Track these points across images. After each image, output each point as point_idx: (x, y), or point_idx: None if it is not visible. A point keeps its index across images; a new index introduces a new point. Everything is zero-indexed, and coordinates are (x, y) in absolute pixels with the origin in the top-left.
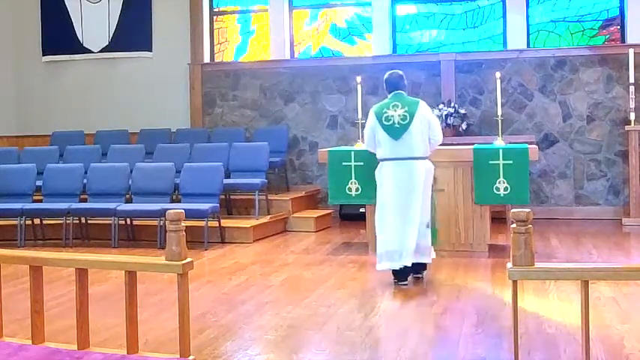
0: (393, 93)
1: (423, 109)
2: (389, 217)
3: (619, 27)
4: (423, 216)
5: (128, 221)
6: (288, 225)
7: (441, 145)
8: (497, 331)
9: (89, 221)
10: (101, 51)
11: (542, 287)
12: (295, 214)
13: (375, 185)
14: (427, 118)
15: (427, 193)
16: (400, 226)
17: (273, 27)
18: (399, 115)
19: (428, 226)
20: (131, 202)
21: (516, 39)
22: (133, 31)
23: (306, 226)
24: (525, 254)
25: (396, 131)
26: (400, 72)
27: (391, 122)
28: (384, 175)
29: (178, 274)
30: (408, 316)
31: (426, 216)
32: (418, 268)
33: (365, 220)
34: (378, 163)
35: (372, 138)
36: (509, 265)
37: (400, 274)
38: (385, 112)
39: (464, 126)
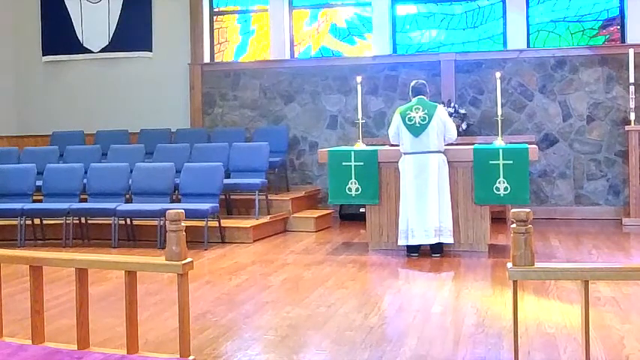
0: (416, 97)
1: (439, 112)
2: (410, 200)
3: (619, 27)
4: (443, 200)
5: (128, 221)
6: (288, 225)
7: None
8: (497, 331)
9: (89, 221)
10: (101, 51)
11: (542, 287)
12: (295, 214)
13: (375, 185)
14: (443, 120)
15: (444, 181)
16: (419, 208)
17: (273, 27)
18: (419, 117)
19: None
20: (131, 202)
21: (516, 39)
22: (133, 31)
23: (306, 226)
24: (525, 254)
25: (416, 130)
26: (424, 81)
27: (413, 122)
28: (405, 165)
29: (178, 274)
30: (408, 316)
31: (447, 200)
32: (437, 248)
33: (365, 220)
34: (401, 155)
35: (397, 134)
36: (509, 265)
37: (411, 247)
38: (408, 114)
39: (464, 126)
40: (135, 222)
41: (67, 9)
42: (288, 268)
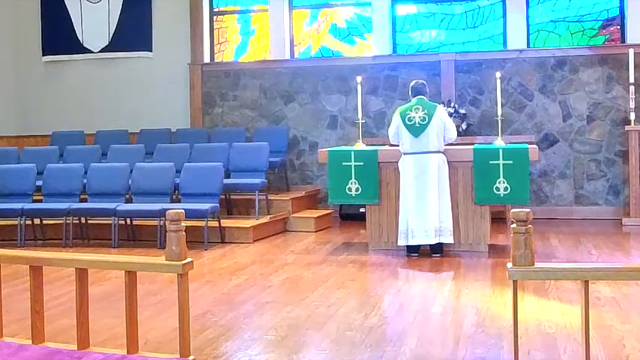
0: (416, 97)
1: (439, 112)
2: (410, 200)
3: (619, 27)
4: (443, 200)
5: (128, 221)
6: (288, 225)
7: None
8: (497, 331)
9: (89, 221)
10: (101, 51)
11: (542, 287)
12: (295, 214)
13: (375, 185)
14: (443, 120)
15: (444, 181)
16: (419, 208)
17: (273, 27)
18: (419, 117)
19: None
20: (131, 202)
21: (516, 39)
22: (133, 31)
23: (306, 226)
24: (525, 254)
25: (416, 130)
26: (423, 81)
27: (413, 122)
28: (405, 165)
29: (178, 274)
30: (408, 316)
31: (447, 200)
32: (437, 248)
33: (365, 220)
34: (401, 155)
35: (397, 134)
36: (510, 265)
37: (411, 247)
38: (408, 114)
39: (464, 126)
40: (135, 222)
41: (67, 9)
42: (288, 268)
